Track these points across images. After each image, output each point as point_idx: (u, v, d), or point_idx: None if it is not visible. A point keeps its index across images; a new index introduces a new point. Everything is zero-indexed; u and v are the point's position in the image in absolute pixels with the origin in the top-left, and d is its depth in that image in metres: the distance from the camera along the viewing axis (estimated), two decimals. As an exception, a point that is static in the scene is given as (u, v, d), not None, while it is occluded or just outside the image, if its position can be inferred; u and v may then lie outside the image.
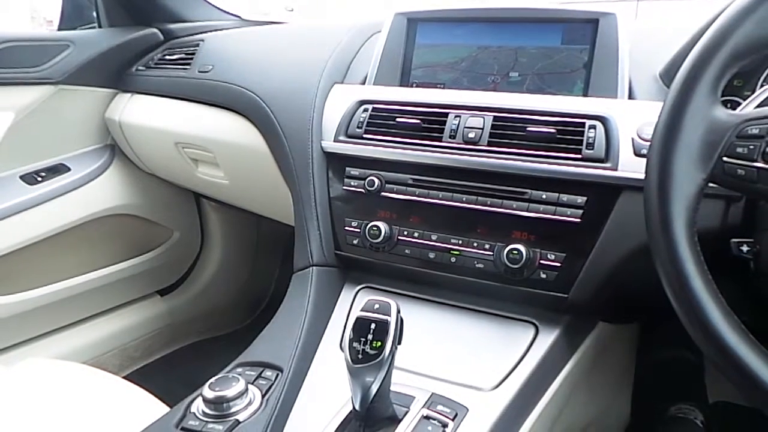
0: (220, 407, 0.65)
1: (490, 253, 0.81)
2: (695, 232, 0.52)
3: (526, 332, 0.79)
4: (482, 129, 0.82)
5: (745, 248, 0.62)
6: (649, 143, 0.57)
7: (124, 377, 0.88)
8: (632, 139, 0.74)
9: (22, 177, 1.30)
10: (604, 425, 1.06)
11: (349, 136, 0.91)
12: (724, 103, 0.55)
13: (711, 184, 0.53)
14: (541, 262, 0.78)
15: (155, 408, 0.78)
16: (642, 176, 0.57)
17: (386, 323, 0.58)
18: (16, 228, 1.25)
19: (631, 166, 0.73)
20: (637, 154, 0.73)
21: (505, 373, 0.74)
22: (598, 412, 1.00)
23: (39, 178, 1.31)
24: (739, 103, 0.75)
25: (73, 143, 1.39)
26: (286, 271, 1.46)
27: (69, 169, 1.35)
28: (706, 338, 0.50)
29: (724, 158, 0.52)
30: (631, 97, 0.81)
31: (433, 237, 0.84)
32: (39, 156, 1.34)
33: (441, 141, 0.84)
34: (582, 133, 0.77)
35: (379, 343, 0.58)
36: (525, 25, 0.89)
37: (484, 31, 0.92)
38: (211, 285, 1.71)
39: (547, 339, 0.78)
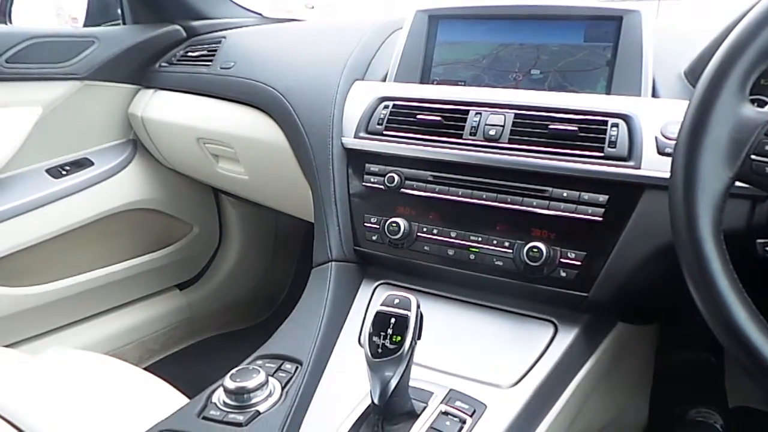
0: (240, 398, 0.66)
1: (510, 250, 0.80)
2: (721, 231, 0.52)
3: (545, 331, 0.79)
4: (503, 126, 0.82)
5: (771, 249, 0.61)
6: (673, 142, 0.56)
7: (144, 369, 0.89)
8: (656, 138, 0.73)
9: (47, 170, 1.33)
10: (622, 426, 1.05)
11: (370, 133, 0.92)
12: (751, 102, 0.54)
13: (737, 184, 0.53)
14: (562, 260, 0.77)
15: (176, 398, 0.79)
16: (666, 175, 0.57)
17: (406, 318, 0.59)
18: (41, 220, 1.28)
19: (654, 165, 0.73)
20: (661, 152, 0.72)
21: (524, 371, 0.74)
22: (616, 412, 1.00)
23: (63, 172, 1.34)
24: (767, 102, 0.73)
25: (96, 138, 1.42)
26: (303, 266, 1.47)
27: (92, 164, 1.38)
28: (731, 337, 0.50)
29: (752, 156, 0.51)
30: (654, 95, 0.80)
31: (453, 234, 0.84)
32: (64, 150, 1.36)
33: (461, 138, 0.84)
34: (604, 131, 0.76)
35: (399, 338, 0.58)
36: (547, 23, 0.88)
37: (506, 29, 0.91)
38: (229, 280, 1.73)
39: (566, 338, 0.78)
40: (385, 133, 0.90)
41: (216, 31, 1.43)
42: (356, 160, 0.93)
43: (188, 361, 1.60)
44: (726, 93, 0.52)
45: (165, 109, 1.35)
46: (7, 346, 1.11)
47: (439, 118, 0.86)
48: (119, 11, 1.45)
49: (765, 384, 0.49)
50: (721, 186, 0.52)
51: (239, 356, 0.79)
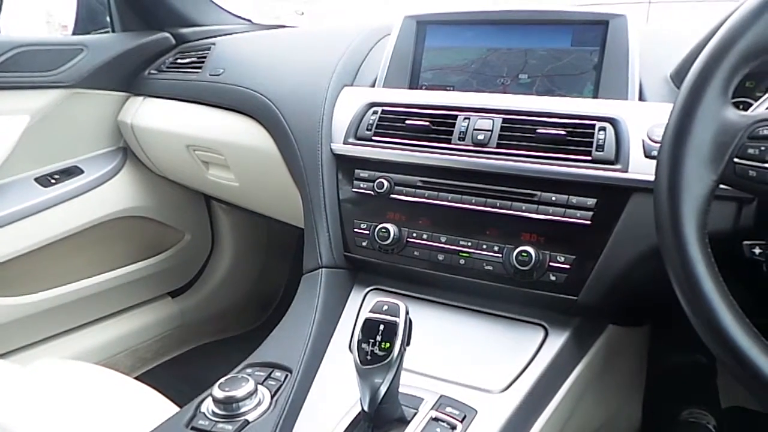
0: (229, 407, 0.66)
1: (499, 255, 0.80)
2: (706, 234, 0.52)
3: (535, 334, 0.79)
4: (491, 131, 0.82)
5: (757, 250, 0.62)
6: (659, 145, 0.57)
7: (136, 378, 0.89)
8: (643, 141, 0.74)
9: (36, 179, 1.32)
10: (615, 428, 1.05)
11: (359, 139, 0.92)
12: (736, 105, 0.55)
13: (723, 186, 0.53)
14: (551, 264, 0.78)
15: (166, 408, 0.78)
16: (652, 178, 0.57)
17: (395, 324, 0.58)
18: (30, 229, 1.27)
19: (641, 168, 0.73)
20: (648, 155, 0.73)
21: (515, 375, 0.74)
22: (609, 415, 1.00)
23: (53, 180, 1.33)
24: (751, 105, 0.74)
25: (86, 146, 1.41)
26: (295, 273, 1.47)
27: (82, 172, 1.37)
28: (717, 341, 0.50)
29: (735, 159, 0.52)
30: (641, 98, 0.80)
31: (442, 239, 0.84)
32: (53, 158, 1.35)
33: (450, 143, 0.84)
34: (592, 135, 0.77)
35: (388, 345, 0.58)
36: (535, 27, 0.89)
37: (494, 34, 0.92)
38: (221, 287, 1.72)
39: (556, 341, 0.78)
40: (374, 138, 0.90)
41: (205, 38, 1.43)
42: (345, 165, 0.93)
43: (181, 369, 1.59)
44: (709, 96, 0.52)
45: (155, 116, 1.35)
46: (-4, 357, 1.11)
47: (427, 124, 0.86)
48: (108, 19, 1.44)
49: (748, 385, 0.50)
50: (705, 189, 0.52)
51: (232, 363, 0.78)
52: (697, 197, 0.52)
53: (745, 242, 0.63)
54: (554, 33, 0.88)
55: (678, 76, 0.79)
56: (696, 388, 1.19)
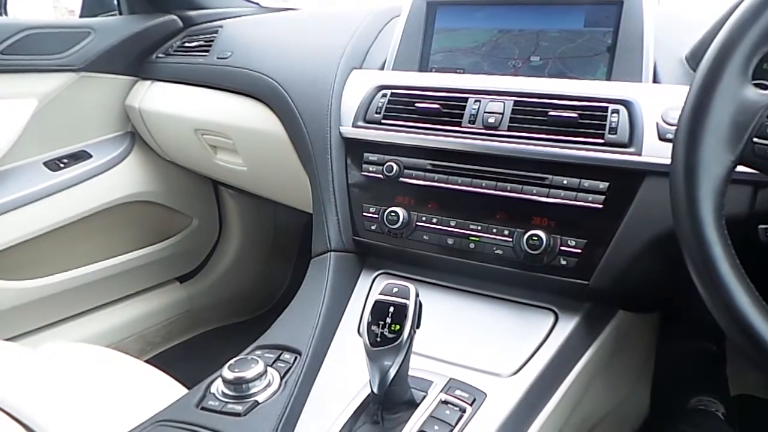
0: (239, 388, 0.66)
1: (510, 239, 0.80)
2: (723, 216, 0.51)
3: (545, 319, 0.79)
4: (502, 114, 0.81)
5: (773, 235, 0.61)
6: (674, 127, 0.55)
7: (145, 361, 0.89)
8: (657, 124, 0.73)
9: (45, 163, 1.32)
10: (624, 415, 1.05)
11: (368, 122, 0.91)
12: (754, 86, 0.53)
13: (739, 169, 0.52)
14: (562, 248, 0.77)
15: (175, 389, 0.79)
16: (667, 161, 0.56)
17: (405, 307, 0.58)
18: (40, 213, 1.28)
19: (655, 151, 0.72)
20: (662, 138, 0.72)
21: (524, 359, 0.73)
22: (618, 401, 0.99)
23: (61, 165, 1.33)
24: (768, 86, 0.73)
25: (94, 130, 1.41)
26: (303, 258, 1.47)
27: (90, 156, 1.37)
28: (732, 323, 0.49)
29: (755, 139, 0.51)
30: (656, 81, 0.79)
31: (452, 223, 0.84)
32: (61, 143, 1.35)
33: (460, 126, 0.83)
34: (605, 118, 0.76)
35: (398, 327, 0.58)
36: (546, 8, 0.87)
37: (505, 15, 0.90)
38: (229, 272, 1.72)
39: (566, 326, 0.77)
40: (383, 121, 0.89)
41: (213, 20, 1.42)
42: (354, 149, 0.92)
43: (189, 354, 1.61)
44: (728, 75, 0.51)
45: (162, 100, 1.34)
46: (7, 340, 1.11)
47: (437, 106, 0.85)
48: (115, 2, 1.44)
49: (766, 370, 0.49)
50: (723, 170, 0.51)
51: (240, 348, 0.78)
52: (715, 178, 0.51)
53: (761, 226, 0.62)
54: (567, 13, 0.86)
55: (694, 58, 0.78)
56: (705, 376, 1.18)
